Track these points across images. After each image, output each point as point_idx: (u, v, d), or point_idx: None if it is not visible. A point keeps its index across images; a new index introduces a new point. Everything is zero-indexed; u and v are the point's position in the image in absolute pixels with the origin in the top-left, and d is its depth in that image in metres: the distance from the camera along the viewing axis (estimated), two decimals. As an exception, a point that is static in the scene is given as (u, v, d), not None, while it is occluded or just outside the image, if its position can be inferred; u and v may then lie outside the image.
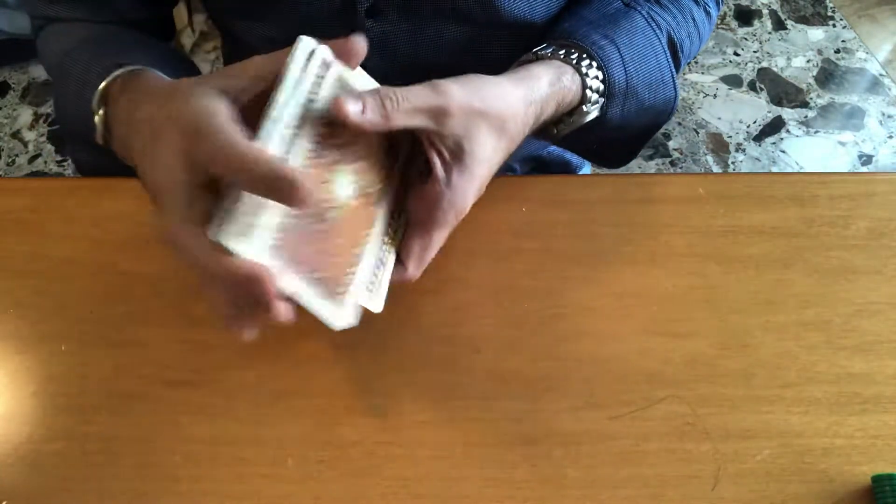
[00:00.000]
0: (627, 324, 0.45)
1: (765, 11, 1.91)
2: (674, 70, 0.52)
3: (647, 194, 0.51)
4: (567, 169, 0.77)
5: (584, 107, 0.47)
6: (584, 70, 0.47)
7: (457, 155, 0.40)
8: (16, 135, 1.61)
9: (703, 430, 0.41)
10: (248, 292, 0.34)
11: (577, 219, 0.50)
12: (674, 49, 0.54)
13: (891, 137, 1.64)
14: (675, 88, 0.52)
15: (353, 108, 0.36)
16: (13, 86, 1.70)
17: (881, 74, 1.76)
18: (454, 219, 0.41)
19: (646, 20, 0.52)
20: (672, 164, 1.60)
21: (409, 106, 0.38)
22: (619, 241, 0.49)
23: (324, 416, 0.41)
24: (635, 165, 1.58)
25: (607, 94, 0.48)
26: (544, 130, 0.49)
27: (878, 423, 0.41)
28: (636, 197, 0.51)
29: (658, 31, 0.52)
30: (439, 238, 0.42)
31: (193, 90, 0.37)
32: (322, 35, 0.53)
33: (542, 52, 0.48)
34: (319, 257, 0.37)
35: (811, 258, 0.48)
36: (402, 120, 0.37)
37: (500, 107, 0.42)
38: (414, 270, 0.42)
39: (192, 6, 1.65)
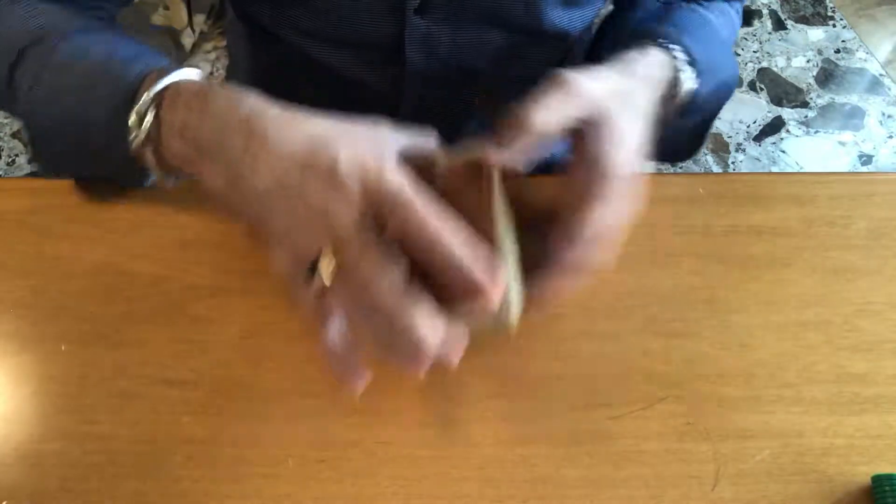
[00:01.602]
0: (627, 324, 0.45)
1: (765, 11, 1.91)
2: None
3: (646, 194, 0.51)
4: None
5: (680, 74, 0.47)
6: (667, 45, 0.47)
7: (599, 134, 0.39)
8: (16, 135, 1.61)
9: (703, 430, 0.41)
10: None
11: (577, 219, 0.50)
12: None
13: (891, 137, 1.64)
14: (735, 66, 0.53)
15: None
16: (13, 86, 1.70)
17: (881, 74, 1.76)
18: (609, 185, 0.39)
19: (694, 13, 0.53)
20: (672, 164, 1.60)
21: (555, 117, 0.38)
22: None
23: (324, 416, 0.41)
24: (635, 165, 1.58)
25: (697, 71, 0.48)
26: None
27: (878, 423, 0.41)
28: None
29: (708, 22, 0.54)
30: (601, 211, 0.38)
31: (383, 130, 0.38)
32: (366, 30, 0.53)
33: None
34: None
35: (811, 258, 0.48)
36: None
37: (624, 85, 0.41)
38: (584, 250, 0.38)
39: (192, 6, 1.65)
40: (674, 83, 0.47)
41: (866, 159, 1.60)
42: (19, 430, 0.41)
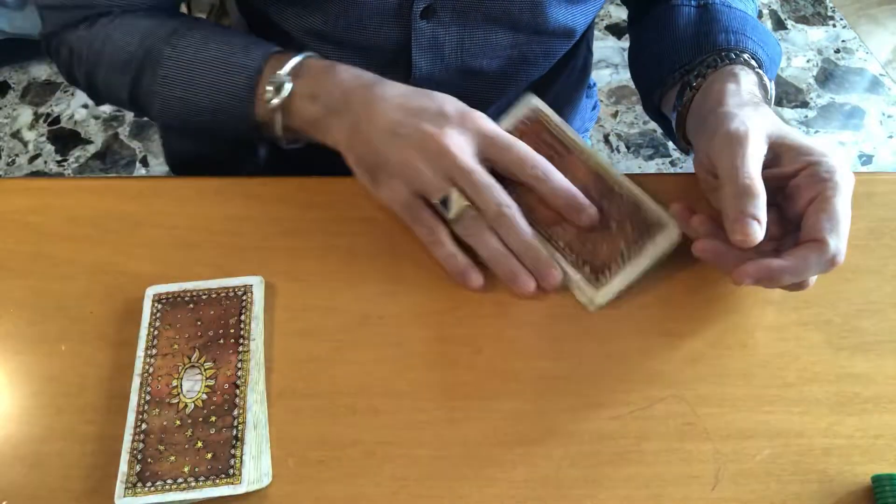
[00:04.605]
0: (627, 324, 0.45)
1: (765, 11, 1.91)
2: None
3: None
4: None
5: (767, 82, 0.50)
6: (741, 59, 0.49)
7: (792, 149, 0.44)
8: (16, 135, 1.61)
9: (703, 430, 0.41)
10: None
11: (577, 219, 0.50)
12: None
13: (891, 137, 1.64)
14: (777, 41, 0.55)
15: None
16: (13, 86, 1.70)
17: (881, 74, 1.76)
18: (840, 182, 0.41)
19: (731, 9, 0.54)
20: (672, 164, 1.60)
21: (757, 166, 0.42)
22: (619, 241, 0.49)
23: (324, 416, 0.41)
24: (636, 165, 1.58)
25: (765, 69, 0.51)
26: None
27: (878, 423, 0.41)
28: (636, 197, 0.51)
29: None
30: (843, 207, 0.41)
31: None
32: (372, 34, 0.54)
33: (697, 81, 0.50)
34: None
35: (811, 258, 0.48)
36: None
37: (768, 117, 0.45)
38: (837, 244, 0.40)
39: (192, 6, 1.65)
40: (765, 91, 0.49)
41: (866, 159, 1.60)
42: (19, 430, 0.41)
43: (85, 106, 1.65)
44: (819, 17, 1.90)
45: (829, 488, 0.39)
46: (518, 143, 0.45)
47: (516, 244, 0.44)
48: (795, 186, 0.43)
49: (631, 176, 0.54)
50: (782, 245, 0.43)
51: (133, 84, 0.53)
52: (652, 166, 1.59)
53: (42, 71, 1.72)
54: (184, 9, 1.64)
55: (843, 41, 1.84)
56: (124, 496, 0.38)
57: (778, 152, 0.44)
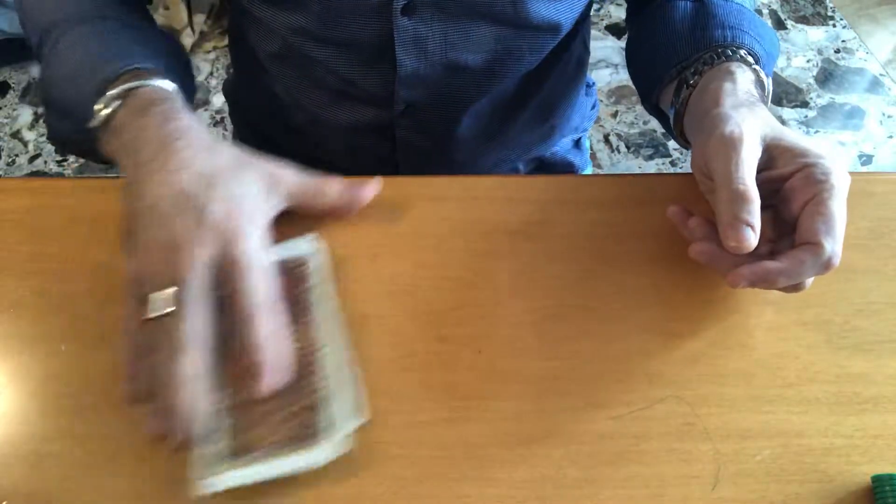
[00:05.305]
0: (627, 324, 0.45)
1: (765, 11, 1.91)
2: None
3: (647, 194, 0.51)
4: (570, 170, 0.78)
5: (764, 80, 0.49)
6: (738, 55, 0.49)
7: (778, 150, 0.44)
8: (16, 135, 1.61)
9: (703, 430, 0.41)
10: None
11: (577, 219, 0.50)
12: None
13: (891, 137, 1.64)
14: (774, 34, 0.55)
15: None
16: (13, 86, 1.70)
17: (881, 74, 1.76)
18: (835, 182, 0.41)
19: (728, 2, 0.54)
20: (672, 164, 1.60)
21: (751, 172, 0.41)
22: (619, 241, 0.49)
23: (324, 416, 0.41)
24: (636, 165, 1.58)
25: (762, 64, 0.50)
26: None
27: (878, 423, 0.41)
28: (636, 197, 0.51)
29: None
30: (838, 209, 0.41)
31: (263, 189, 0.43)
32: (354, 31, 0.54)
33: (694, 79, 0.50)
34: None
35: (811, 258, 0.48)
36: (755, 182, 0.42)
37: (764, 118, 0.45)
38: (833, 247, 0.40)
39: (192, 6, 1.65)
40: (762, 88, 0.49)
41: (866, 159, 1.60)
42: (19, 430, 0.41)
43: (85, 106, 1.65)
44: (819, 17, 1.91)
45: (829, 488, 0.39)
46: (254, 276, 0.38)
47: (168, 383, 0.36)
48: (791, 189, 0.42)
49: (630, 176, 0.54)
50: (778, 247, 0.43)
51: (38, 52, 0.52)
52: (652, 166, 1.59)
53: (42, 71, 1.72)
54: (184, 9, 1.62)
55: (843, 41, 1.84)
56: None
57: (773, 154, 0.44)
